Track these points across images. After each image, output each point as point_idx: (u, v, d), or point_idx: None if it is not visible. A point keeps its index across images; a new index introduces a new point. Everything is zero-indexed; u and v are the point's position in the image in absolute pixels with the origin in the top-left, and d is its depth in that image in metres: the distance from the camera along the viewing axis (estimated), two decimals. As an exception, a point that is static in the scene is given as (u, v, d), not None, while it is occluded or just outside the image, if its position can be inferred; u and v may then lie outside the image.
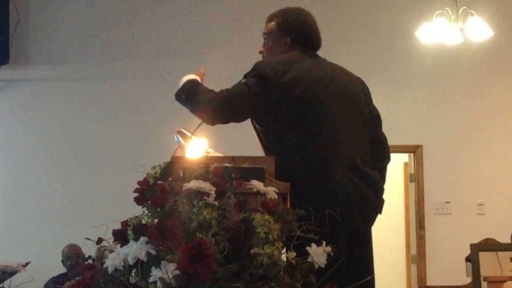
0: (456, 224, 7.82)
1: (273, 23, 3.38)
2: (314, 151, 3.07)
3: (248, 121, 3.24)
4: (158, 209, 2.35)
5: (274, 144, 3.13)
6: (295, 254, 2.48)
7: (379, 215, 3.27)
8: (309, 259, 2.47)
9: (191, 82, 3.22)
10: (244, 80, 3.17)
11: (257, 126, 3.20)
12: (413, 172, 8.07)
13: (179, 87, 3.22)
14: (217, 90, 3.15)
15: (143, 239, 2.28)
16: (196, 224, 2.29)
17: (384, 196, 3.29)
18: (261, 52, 3.43)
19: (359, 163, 3.15)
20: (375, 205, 3.21)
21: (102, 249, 2.48)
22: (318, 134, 3.10)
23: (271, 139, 3.15)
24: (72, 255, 6.82)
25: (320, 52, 3.39)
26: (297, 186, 2.90)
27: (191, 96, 3.16)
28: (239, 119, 3.23)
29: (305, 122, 3.10)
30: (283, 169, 2.98)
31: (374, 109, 3.41)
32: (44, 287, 6.95)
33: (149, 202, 2.36)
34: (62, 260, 6.93)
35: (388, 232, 8.84)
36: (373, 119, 3.36)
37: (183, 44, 7.94)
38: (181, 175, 2.67)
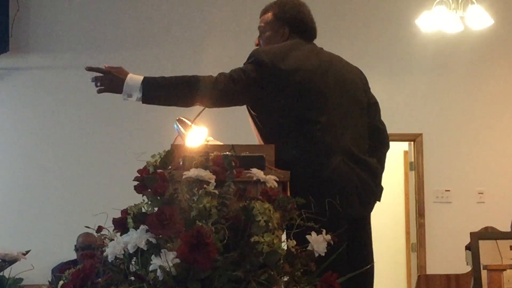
0: (456, 213, 7.82)
1: (269, 14, 3.37)
2: (310, 138, 3.07)
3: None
4: (158, 198, 2.35)
5: (270, 131, 3.13)
6: (295, 242, 2.48)
7: (378, 202, 3.28)
8: (309, 248, 2.47)
9: (162, 78, 3.18)
10: (241, 66, 3.16)
11: (252, 113, 3.20)
12: (413, 160, 8.07)
13: (142, 88, 3.18)
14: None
15: (143, 227, 2.28)
16: (196, 213, 2.30)
17: (383, 185, 3.29)
18: (257, 45, 3.42)
19: (356, 150, 3.14)
20: (374, 191, 3.21)
21: (102, 237, 2.49)
22: (314, 122, 3.09)
23: (267, 126, 3.15)
24: (85, 246, 6.79)
25: (320, 40, 3.38)
26: (294, 174, 2.89)
27: (189, 85, 3.12)
28: (237, 103, 3.22)
29: (302, 110, 3.10)
30: (279, 157, 2.98)
31: (372, 97, 3.41)
32: (52, 271, 6.96)
33: (149, 190, 2.36)
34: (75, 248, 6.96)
35: (388, 221, 8.85)
36: (371, 107, 3.36)
37: (184, 33, 7.92)
38: (181, 163, 2.67)
